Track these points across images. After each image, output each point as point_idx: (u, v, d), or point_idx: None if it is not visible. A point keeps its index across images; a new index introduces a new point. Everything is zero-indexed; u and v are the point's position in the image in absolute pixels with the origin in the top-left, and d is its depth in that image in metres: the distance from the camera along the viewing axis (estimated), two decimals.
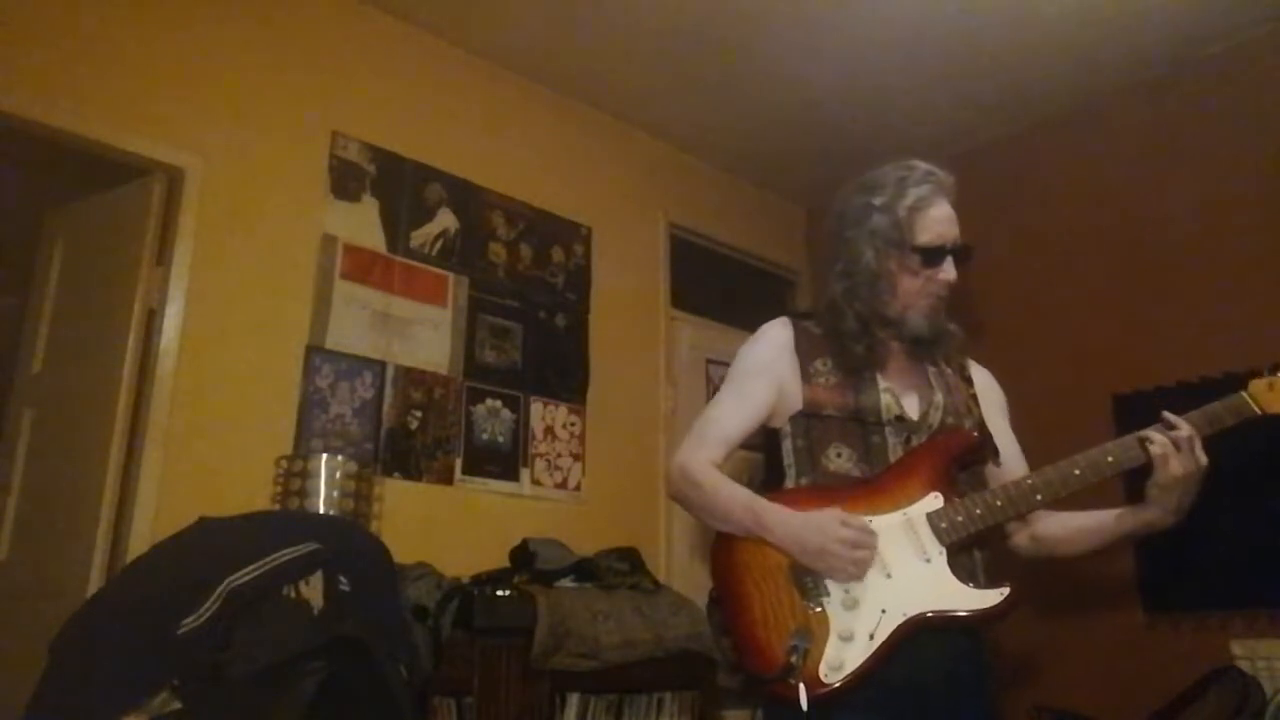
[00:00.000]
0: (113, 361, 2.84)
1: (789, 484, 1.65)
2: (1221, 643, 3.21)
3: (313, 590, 2.02)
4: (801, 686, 1.41)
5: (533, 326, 3.79)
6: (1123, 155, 3.90)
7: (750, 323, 1.88)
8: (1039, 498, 1.56)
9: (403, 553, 2.57)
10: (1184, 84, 3.77)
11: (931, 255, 1.65)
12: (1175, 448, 1.50)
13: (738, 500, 1.59)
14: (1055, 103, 4.05)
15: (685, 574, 3.84)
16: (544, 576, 3.02)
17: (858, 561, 1.49)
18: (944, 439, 1.63)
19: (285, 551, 2.04)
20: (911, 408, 1.65)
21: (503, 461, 3.55)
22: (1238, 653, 3.15)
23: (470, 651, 2.67)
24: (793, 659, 1.42)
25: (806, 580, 1.51)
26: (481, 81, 3.86)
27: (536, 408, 3.71)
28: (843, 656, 1.45)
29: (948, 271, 1.66)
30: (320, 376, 3.14)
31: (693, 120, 4.30)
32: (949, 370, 1.74)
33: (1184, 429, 1.52)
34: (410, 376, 3.37)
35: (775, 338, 1.73)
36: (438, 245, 3.57)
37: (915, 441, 1.62)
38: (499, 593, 2.80)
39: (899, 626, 1.47)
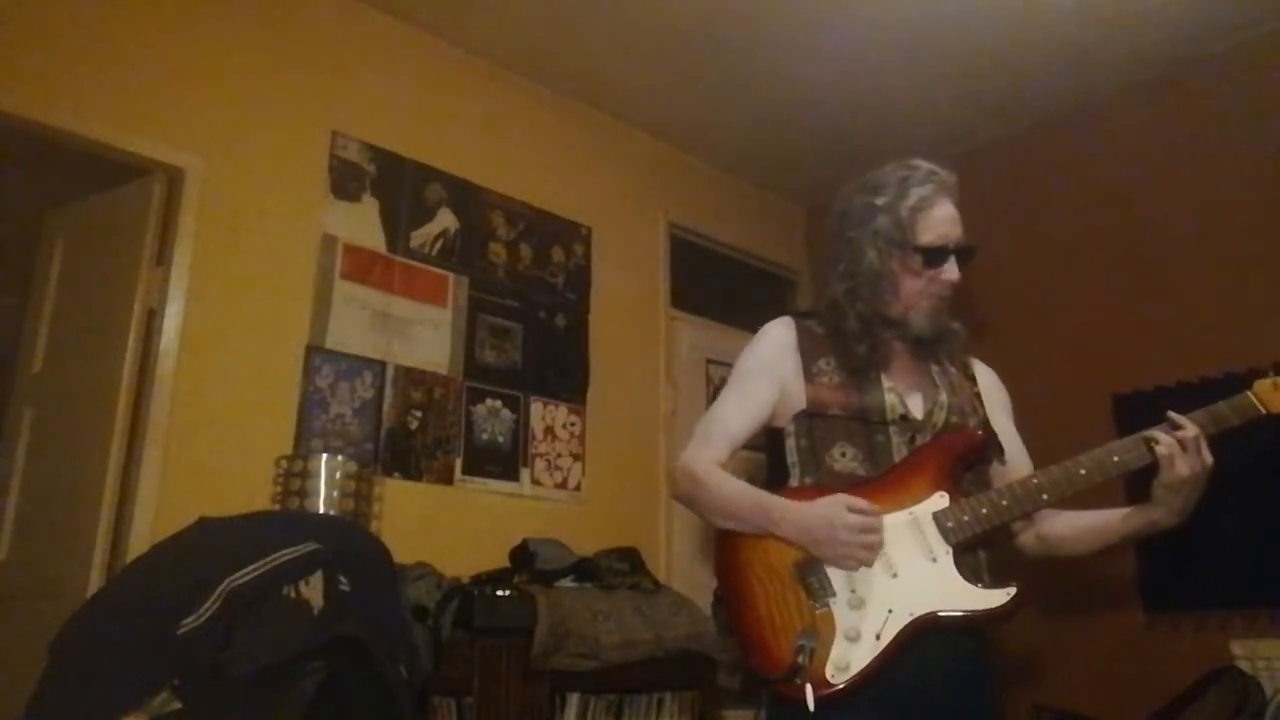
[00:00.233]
0: (113, 361, 2.84)
1: (793, 483, 1.64)
2: (1221, 643, 3.20)
3: (313, 590, 2.02)
4: (808, 687, 1.41)
5: (533, 326, 3.79)
6: (1123, 155, 3.90)
7: (750, 323, 1.87)
8: (1045, 497, 1.56)
9: (403, 553, 2.57)
10: (1184, 84, 3.77)
11: (934, 255, 1.64)
12: (1181, 448, 1.49)
13: (744, 497, 1.59)
14: (1055, 103, 4.05)
15: (685, 574, 3.84)
16: (544, 576, 3.02)
17: (867, 546, 1.48)
18: (949, 438, 1.62)
19: (285, 551, 2.04)
20: (916, 407, 1.64)
21: (503, 461, 3.54)
22: (1238, 653, 3.15)
23: (470, 651, 2.66)
24: (799, 659, 1.42)
25: (812, 580, 1.50)
26: (481, 81, 3.86)
27: (536, 408, 3.70)
28: (849, 657, 1.44)
29: (950, 272, 1.65)
30: (320, 376, 3.14)
31: (693, 120, 4.30)
32: (952, 369, 1.74)
33: (1190, 429, 1.51)
34: (410, 376, 3.36)
35: (777, 337, 1.73)
36: (438, 245, 3.57)
37: (920, 441, 1.61)
38: (499, 593, 2.80)
39: (905, 626, 1.46)
